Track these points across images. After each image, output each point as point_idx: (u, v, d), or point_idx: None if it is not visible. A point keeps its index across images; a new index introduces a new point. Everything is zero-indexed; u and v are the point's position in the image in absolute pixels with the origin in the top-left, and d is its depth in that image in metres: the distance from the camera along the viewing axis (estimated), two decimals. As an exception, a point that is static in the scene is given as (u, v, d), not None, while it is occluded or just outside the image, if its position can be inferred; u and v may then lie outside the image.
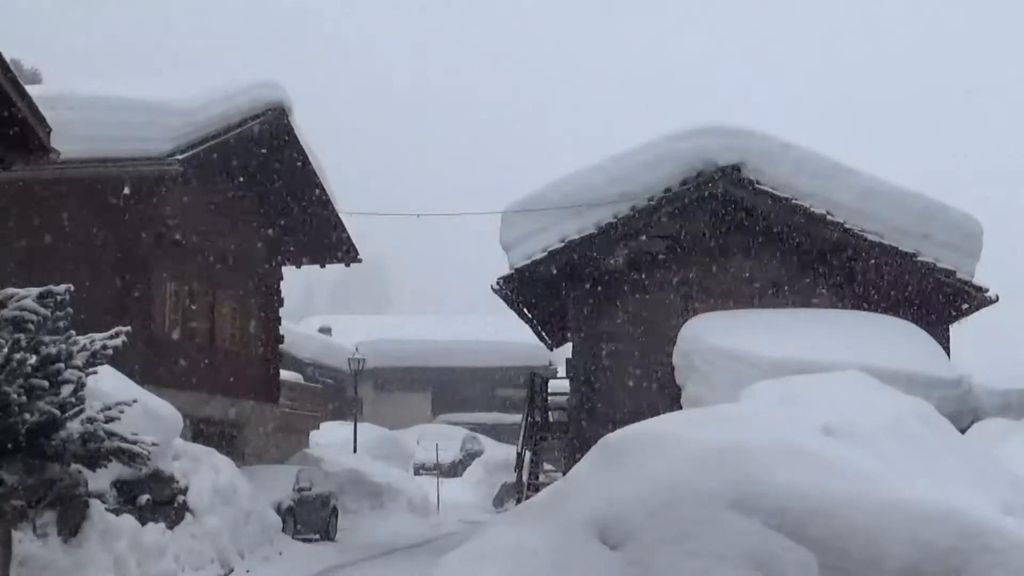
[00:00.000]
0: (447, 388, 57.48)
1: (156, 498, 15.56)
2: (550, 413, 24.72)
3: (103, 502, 13.95)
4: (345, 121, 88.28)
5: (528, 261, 21.05)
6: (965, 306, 20.91)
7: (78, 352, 12.65)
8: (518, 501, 22.00)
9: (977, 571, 7.20)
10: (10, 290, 12.58)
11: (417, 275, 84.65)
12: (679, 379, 18.55)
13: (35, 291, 12.44)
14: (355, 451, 34.12)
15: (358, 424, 36.08)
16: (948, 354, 19.78)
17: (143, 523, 14.64)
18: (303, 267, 29.14)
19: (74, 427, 12.49)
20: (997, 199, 59.63)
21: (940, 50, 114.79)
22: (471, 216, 24.90)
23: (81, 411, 12.56)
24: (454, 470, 41.66)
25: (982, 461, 9.22)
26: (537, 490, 20.09)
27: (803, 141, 21.23)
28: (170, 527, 15.48)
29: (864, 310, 20.39)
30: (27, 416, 11.79)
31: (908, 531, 7.37)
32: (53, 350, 12.16)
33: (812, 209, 20.44)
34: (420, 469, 40.31)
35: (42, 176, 19.78)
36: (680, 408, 16.76)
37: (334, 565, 19.05)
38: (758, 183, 20.58)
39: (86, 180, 20.77)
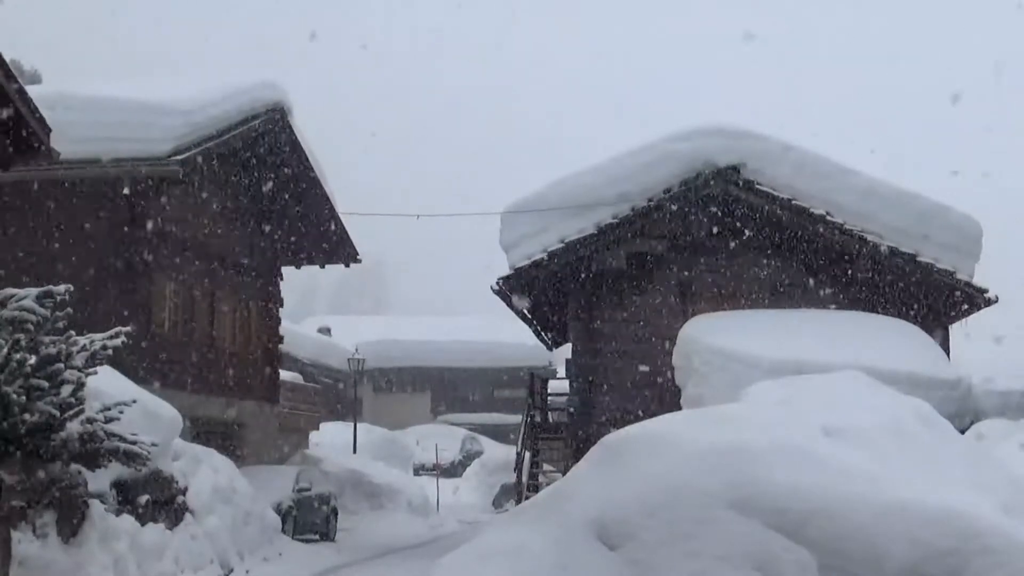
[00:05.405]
0: (447, 388, 57.51)
1: (156, 498, 15.55)
2: (550, 413, 24.72)
3: (103, 502, 13.93)
4: (345, 121, 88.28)
5: (528, 261, 21.05)
6: (965, 306, 20.91)
7: (78, 352, 12.64)
8: (518, 501, 22.01)
9: (976, 572, 7.20)
10: (10, 290, 12.58)
11: (417, 275, 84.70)
12: (679, 380, 18.55)
13: (35, 291, 12.43)
14: (355, 451, 34.14)
15: (358, 424, 36.09)
16: (948, 354, 19.78)
17: (143, 523, 14.63)
18: (303, 267, 29.17)
19: (74, 427, 12.49)
20: (998, 199, 59.56)
21: (939, 50, 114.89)
22: (471, 216, 24.93)
23: (81, 411, 12.55)
24: (454, 470, 41.70)
25: (982, 461, 9.22)
26: (537, 490, 20.11)
27: (803, 142, 21.24)
28: (170, 527, 15.47)
29: (864, 311, 20.39)
30: (27, 416, 11.79)
31: (907, 532, 7.37)
32: (53, 350, 12.16)
33: (812, 210, 20.45)
34: (420, 469, 40.34)
35: (42, 176, 19.78)
36: (680, 408, 16.76)
37: (334, 565, 19.04)
38: (758, 184, 20.59)
39: (86, 180, 20.76)
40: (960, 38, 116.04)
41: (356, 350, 40.34)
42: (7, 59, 13.22)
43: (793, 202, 20.48)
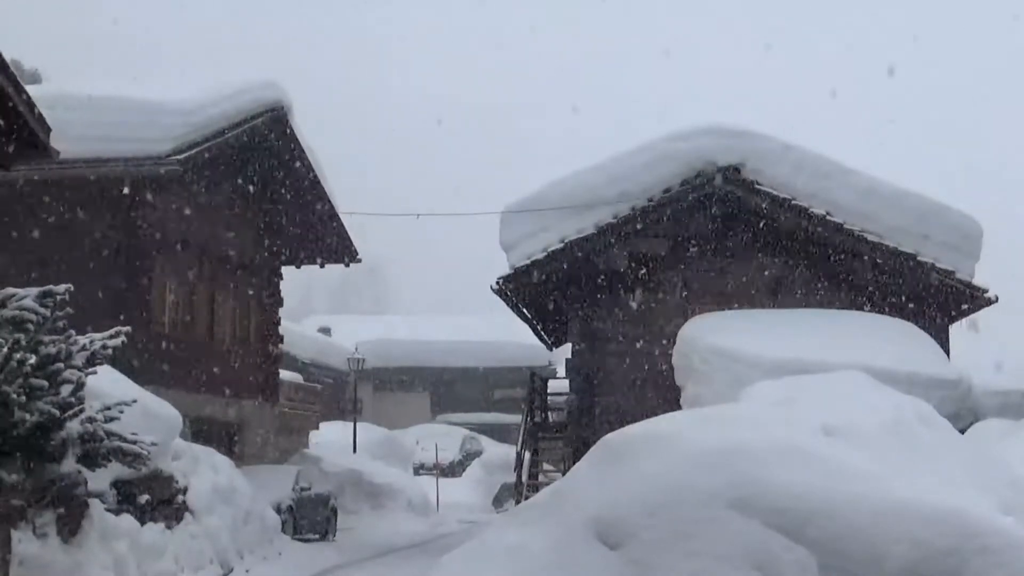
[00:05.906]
0: (446, 388, 57.48)
1: (156, 498, 15.56)
2: (550, 413, 24.70)
3: (103, 502, 13.94)
4: (345, 121, 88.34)
5: (528, 261, 21.03)
6: (965, 306, 20.91)
7: (78, 352, 12.65)
8: (518, 501, 22.00)
9: (976, 571, 7.20)
10: (10, 290, 12.58)
11: (417, 275, 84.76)
12: (679, 379, 18.54)
13: (35, 291, 12.44)
14: (355, 451, 34.14)
15: (358, 424, 36.10)
16: (948, 354, 19.78)
17: (143, 523, 14.64)
18: (303, 267, 29.17)
19: (74, 427, 12.50)
20: (998, 198, 59.62)
21: (937, 51, 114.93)
22: (471, 216, 24.92)
23: (81, 411, 12.56)
24: (453, 470, 41.70)
25: (982, 461, 9.23)
26: (537, 490, 20.09)
27: (803, 141, 21.23)
28: (169, 527, 15.48)
29: (864, 310, 20.38)
30: (27, 416, 11.79)
31: (907, 531, 7.37)
32: (53, 350, 12.16)
33: (812, 209, 20.44)
34: (420, 469, 40.34)
35: (42, 176, 19.79)
36: (680, 408, 16.75)
37: (334, 565, 19.05)
38: (758, 183, 20.58)
39: (86, 180, 20.77)
40: (959, 39, 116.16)
41: (356, 350, 40.33)
42: (7, 58, 13.22)
43: (793, 202, 20.47)
